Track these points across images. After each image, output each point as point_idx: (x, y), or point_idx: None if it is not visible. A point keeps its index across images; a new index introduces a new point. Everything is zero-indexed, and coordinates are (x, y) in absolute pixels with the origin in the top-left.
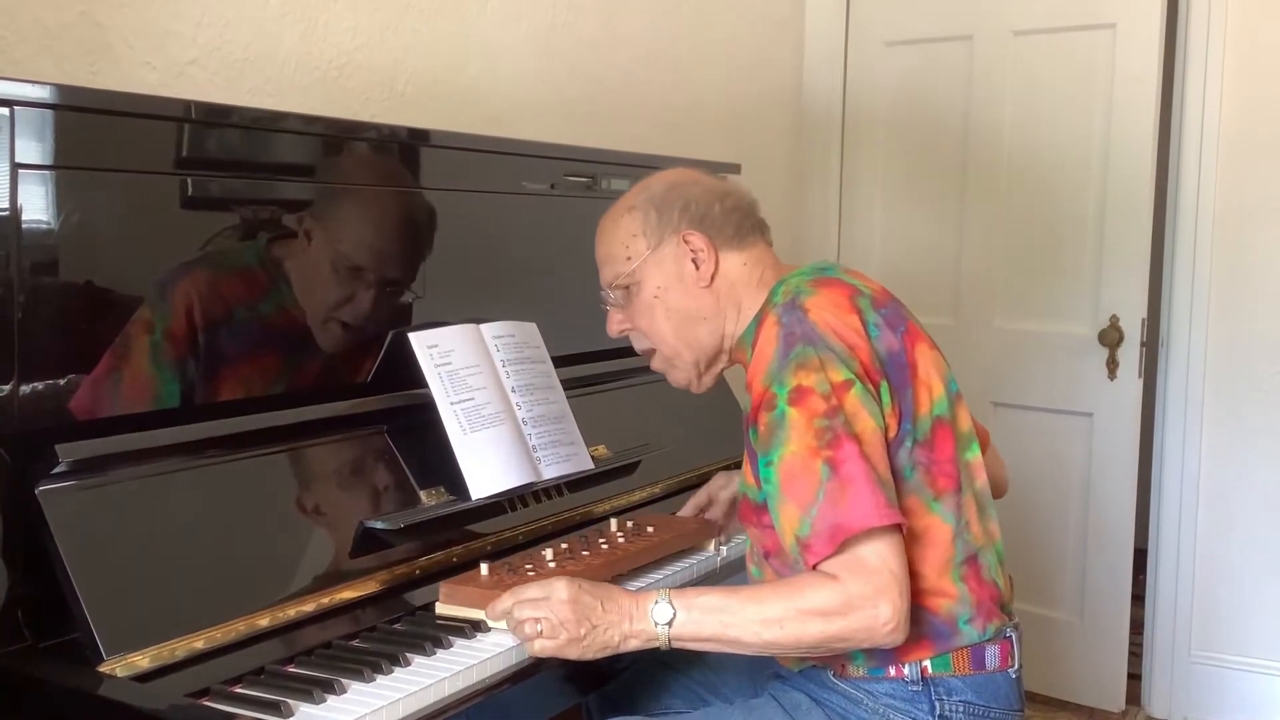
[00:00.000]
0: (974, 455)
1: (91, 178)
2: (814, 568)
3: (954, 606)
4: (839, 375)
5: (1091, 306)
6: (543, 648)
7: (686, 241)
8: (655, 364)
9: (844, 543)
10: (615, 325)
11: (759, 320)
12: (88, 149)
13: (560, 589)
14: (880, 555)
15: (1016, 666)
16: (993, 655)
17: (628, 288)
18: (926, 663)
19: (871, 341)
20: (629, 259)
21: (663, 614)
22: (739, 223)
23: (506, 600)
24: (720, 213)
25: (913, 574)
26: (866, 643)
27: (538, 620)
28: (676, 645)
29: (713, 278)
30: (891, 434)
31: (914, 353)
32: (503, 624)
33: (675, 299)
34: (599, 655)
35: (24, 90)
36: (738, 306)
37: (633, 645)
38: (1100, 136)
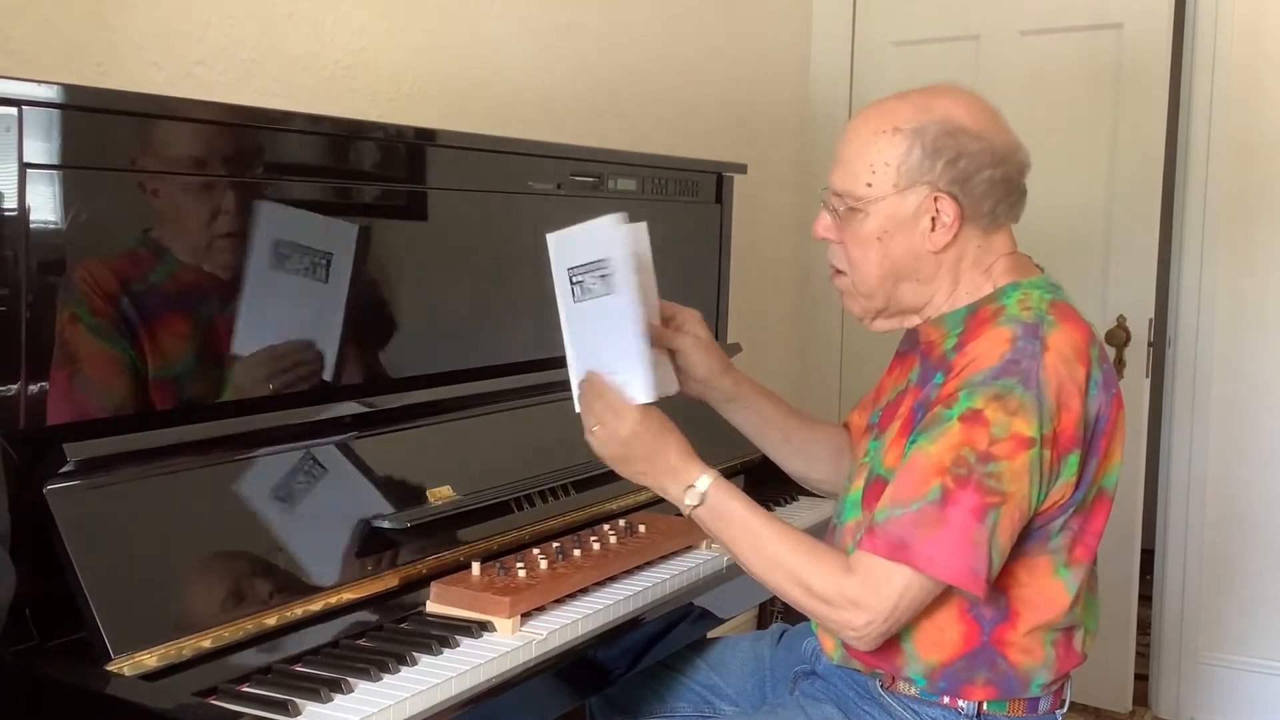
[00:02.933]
0: (1103, 527)
1: (99, 177)
2: (859, 548)
3: (1035, 668)
4: (1026, 430)
5: (1099, 306)
6: (593, 448)
7: (936, 201)
8: (839, 285)
9: (899, 561)
10: (822, 230)
11: (974, 312)
12: (95, 149)
13: (624, 426)
14: (904, 590)
15: (1064, 708)
16: (1046, 701)
17: (854, 209)
18: (984, 701)
19: (1087, 401)
20: (869, 185)
21: (693, 499)
22: (999, 199)
23: (594, 388)
24: (986, 182)
25: (1015, 627)
26: (830, 627)
27: (598, 426)
28: (691, 516)
29: (946, 247)
30: (1064, 498)
31: (1115, 419)
32: (509, 623)
33: (897, 249)
34: (631, 479)
35: (32, 90)
36: (955, 282)
37: (659, 492)
38: (1107, 136)
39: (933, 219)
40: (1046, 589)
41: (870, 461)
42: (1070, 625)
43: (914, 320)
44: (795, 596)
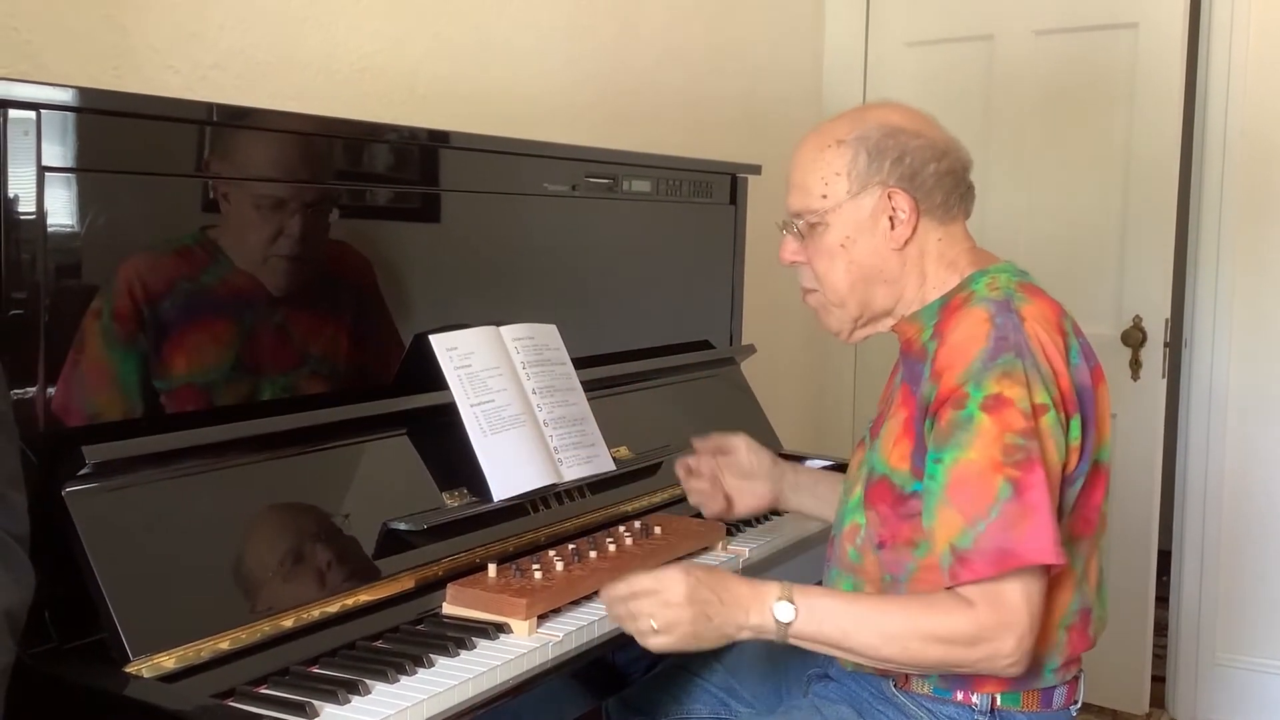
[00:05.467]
0: (1109, 507)
1: (116, 180)
2: (958, 584)
3: (1047, 654)
4: (1040, 397)
5: (1114, 307)
6: (660, 644)
7: (890, 198)
8: (812, 302)
9: (1009, 569)
10: (788, 254)
11: (946, 303)
12: (113, 152)
13: (677, 587)
14: (1026, 593)
15: (1078, 704)
16: (1060, 694)
17: (814, 225)
18: (997, 695)
19: (1071, 369)
20: (824, 197)
21: (784, 613)
22: (949, 190)
23: (621, 589)
24: (934, 175)
25: None
26: (986, 672)
27: (652, 615)
28: (793, 642)
29: (906, 242)
30: (1070, 468)
31: (1099, 390)
32: (525, 624)
33: (862, 253)
34: (716, 645)
35: (50, 94)
36: (922, 277)
37: (747, 635)
38: (1123, 136)
39: (890, 218)
40: (1059, 570)
41: (867, 466)
42: (1084, 607)
43: (888, 323)
44: (936, 655)
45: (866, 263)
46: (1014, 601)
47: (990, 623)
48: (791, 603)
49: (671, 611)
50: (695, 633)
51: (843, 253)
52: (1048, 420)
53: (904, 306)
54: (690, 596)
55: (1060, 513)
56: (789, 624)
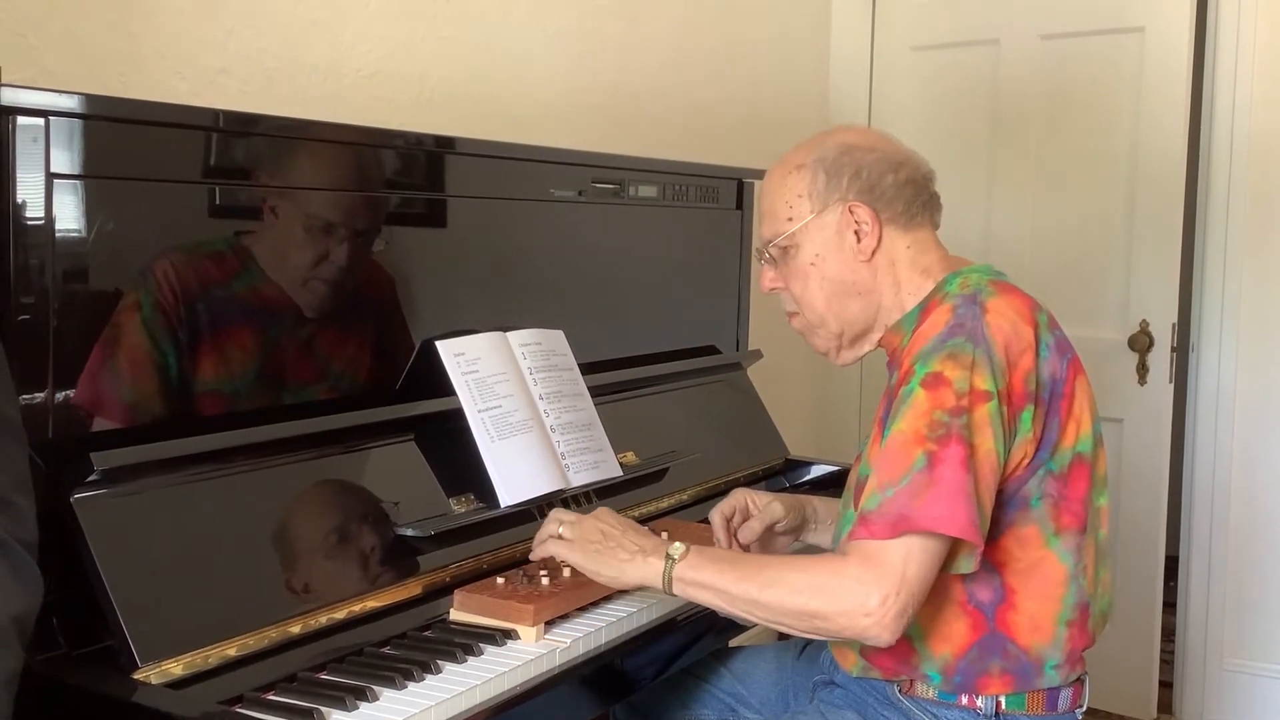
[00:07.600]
0: (1104, 501)
1: (124, 187)
2: (850, 541)
3: (1046, 649)
4: (984, 384)
5: (1121, 311)
6: (562, 550)
7: (852, 212)
8: (797, 325)
9: (901, 534)
10: (767, 282)
11: (924, 307)
12: (120, 158)
13: (598, 510)
14: (906, 557)
15: (1083, 707)
16: (1065, 698)
17: (785, 248)
18: (1002, 698)
19: (1039, 361)
20: (790, 220)
21: (676, 550)
22: (910, 199)
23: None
24: (892, 185)
25: (1015, 607)
26: (848, 630)
27: (563, 521)
28: (676, 590)
29: (873, 253)
30: (1026, 459)
31: (1074, 383)
32: (533, 631)
33: (832, 268)
34: (602, 570)
35: (58, 100)
36: (896, 286)
37: (634, 573)
38: (1129, 141)
39: (855, 231)
40: (1040, 562)
41: (860, 475)
42: (1082, 603)
43: (874, 339)
44: (800, 602)
45: (839, 277)
46: (889, 561)
47: (856, 574)
48: (685, 546)
49: (581, 524)
50: (591, 548)
51: (815, 271)
52: (988, 408)
53: (885, 315)
54: (601, 516)
55: (1028, 500)
56: (676, 560)
